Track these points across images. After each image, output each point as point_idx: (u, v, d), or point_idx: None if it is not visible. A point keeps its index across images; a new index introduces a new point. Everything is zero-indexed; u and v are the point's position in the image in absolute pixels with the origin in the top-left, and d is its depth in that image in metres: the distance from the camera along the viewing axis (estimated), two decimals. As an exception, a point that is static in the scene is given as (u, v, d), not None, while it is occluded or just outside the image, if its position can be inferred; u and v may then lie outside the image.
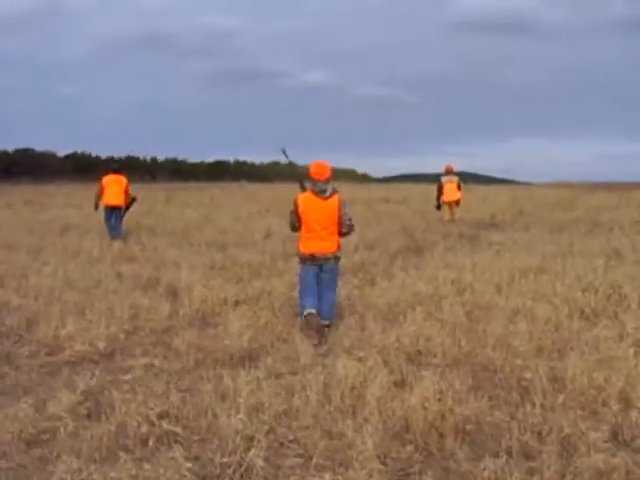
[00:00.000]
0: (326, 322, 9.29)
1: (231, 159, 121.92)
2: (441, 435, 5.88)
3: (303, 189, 9.47)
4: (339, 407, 6.47)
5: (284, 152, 10.00)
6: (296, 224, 9.40)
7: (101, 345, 8.58)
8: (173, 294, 11.61)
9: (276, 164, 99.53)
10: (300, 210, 9.26)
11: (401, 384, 7.02)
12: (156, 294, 11.55)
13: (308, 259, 9.33)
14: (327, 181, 9.24)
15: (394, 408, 6.27)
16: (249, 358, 8.11)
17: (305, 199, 9.27)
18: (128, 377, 7.51)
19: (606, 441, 5.65)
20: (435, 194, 24.23)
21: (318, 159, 9.33)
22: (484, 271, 12.97)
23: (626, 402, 6.44)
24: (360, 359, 7.55)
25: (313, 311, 9.13)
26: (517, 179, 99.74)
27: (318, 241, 9.28)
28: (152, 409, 6.25)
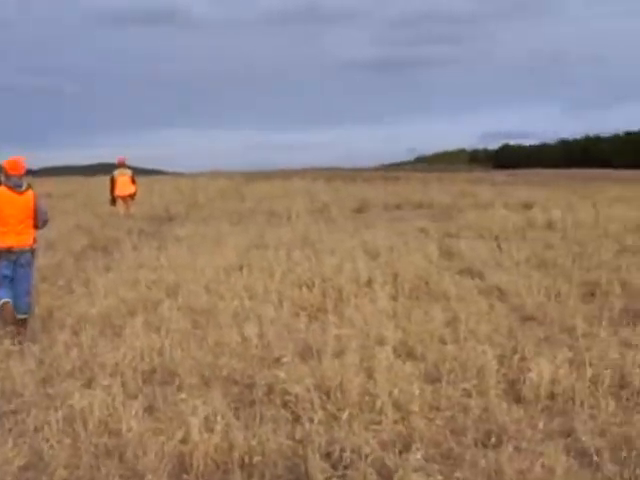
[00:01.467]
0: (23, 316, 9.07)
1: None
2: (225, 472, 5.03)
3: None
4: (92, 451, 5.33)
5: None
6: None
7: None
8: None
9: None
10: None
11: (154, 412, 6.05)
12: None
13: (4, 252, 9.05)
14: (22, 176, 9.23)
15: (162, 444, 5.27)
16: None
17: (0, 194, 9.08)
18: None
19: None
20: (109, 188, 22.77)
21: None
22: (185, 269, 12.14)
23: (399, 408, 5.98)
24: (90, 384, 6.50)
25: (9, 300, 8.92)
26: (168, 169, 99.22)
27: (14, 235, 9.09)
28: None
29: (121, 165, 22.72)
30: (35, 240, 9.41)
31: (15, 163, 9.15)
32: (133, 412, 5.85)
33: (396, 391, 6.10)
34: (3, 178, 9.17)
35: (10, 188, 9.08)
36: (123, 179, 22.46)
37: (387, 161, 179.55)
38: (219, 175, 57.87)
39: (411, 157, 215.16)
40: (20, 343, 8.14)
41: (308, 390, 6.21)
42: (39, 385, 6.87)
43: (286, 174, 61.75)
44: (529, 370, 6.64)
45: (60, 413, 5.85)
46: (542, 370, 6.47)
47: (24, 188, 9.19)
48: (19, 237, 9.14)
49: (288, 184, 41.38)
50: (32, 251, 9.37)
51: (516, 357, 7.16)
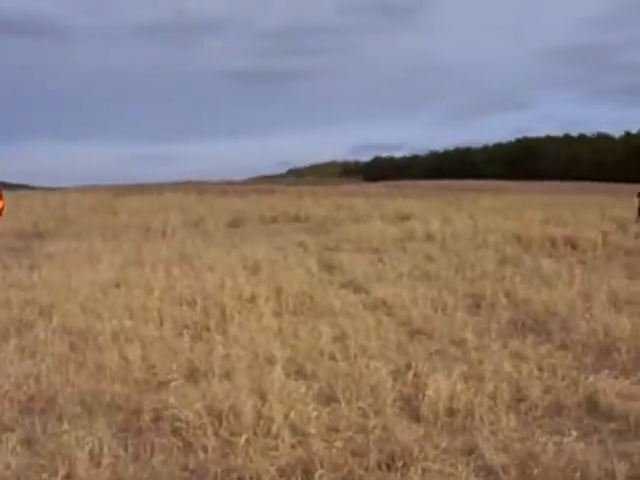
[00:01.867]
0: None
1: None
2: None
3: None
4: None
5: None
6: None
7: None
8: None
9: None
10: None
11: (33, 445, 5.63)
12: None
13: None
14: None
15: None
16: None
17: None
18: None
19: None
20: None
21: None
22: (59, 288, 11.60)
23: (296, 431, 5.75)
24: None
25: None
26: (35, 184, 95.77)
27: None
28: None
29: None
30: None
31: None
32: (10, 446, 5.42)
33: (292, 413, 5.86)
34: None
35: None
36: (-14, 194, 21.44)
37: (259, 174, 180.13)
38: (89, 189, 56.76)
39: (283, 170, 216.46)
40: None
41: (199, 415, 5.91)
42: None
43: (158, 188, 61.10)
44: (425, 386, 6.53)
45: None
46: (439, 386, 6.37)
47: None
48: None
49: (161, 198, 40.79)
50: None
51: (410, 373, 7.04)
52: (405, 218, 24.38)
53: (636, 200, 24.13)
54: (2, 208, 21.84)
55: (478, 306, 10.52)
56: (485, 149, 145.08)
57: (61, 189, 64.78)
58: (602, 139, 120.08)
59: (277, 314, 10.03)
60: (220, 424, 5.85)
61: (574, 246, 16.90)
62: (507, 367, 7.10)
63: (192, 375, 7.36)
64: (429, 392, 6.32)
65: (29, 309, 10.17)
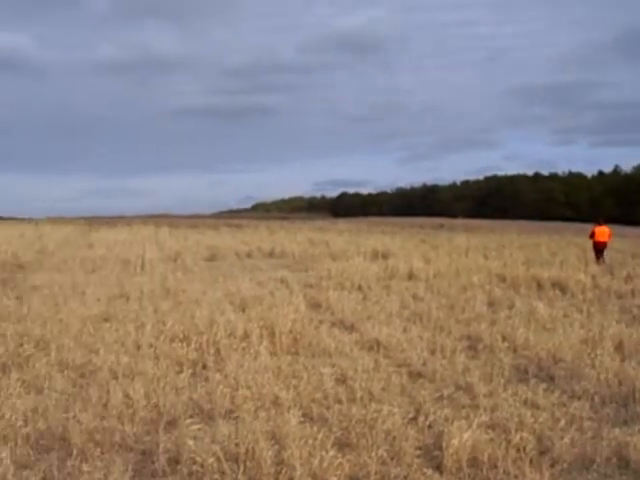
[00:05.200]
0: None
1: None
2: None
3: None
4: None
5: None
6: None
7: None
8: None
9: None
10: None
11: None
12: None
13: None
14: None
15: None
16: None
17: None
18: None
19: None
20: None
21: None
22: (49, 321, 11.52)
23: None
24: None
25: None
26: (2, 215, 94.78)
27: None
28: None
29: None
30: None
31: None
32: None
33: (312, 460, 5.80)
34: None
35: None
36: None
37: (226, 208, 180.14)
38: (58, 221, 56.22)
39: (248, 204, 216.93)
40: None
41: (217, 459, 5.86)
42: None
43: (126, 220, 60.63)
44: (443, 434, 6.45)
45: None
46: (460, 435, 6.23)
47: None
48: None
49: (133, 230, 40.60)
50: None
51: (423, 419, 7.01)
52: (383, 256, 24.42)
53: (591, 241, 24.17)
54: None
55: (475, 349, 10.44)
56: (453, 187, 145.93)
57: (31, 220, 64.20)
58: (574, 178, 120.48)
59: (273, 353, 9.99)
60: (238, 469, 5.80)
61: (563, 289, 16.83)
62: (525, 416, 6.99)
63: (198, 415, 7.31)
64: (453, 441, 6.16)
65: (24, 342, 10.04)
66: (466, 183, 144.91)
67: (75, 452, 6.21)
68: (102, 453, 6.26)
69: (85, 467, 5.76)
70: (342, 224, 62.19)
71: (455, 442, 6.15)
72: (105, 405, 7.47)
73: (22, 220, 68.31)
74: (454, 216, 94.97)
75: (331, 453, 5.93)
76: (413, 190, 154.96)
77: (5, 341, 10.05)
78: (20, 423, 6.76)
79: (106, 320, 11.94)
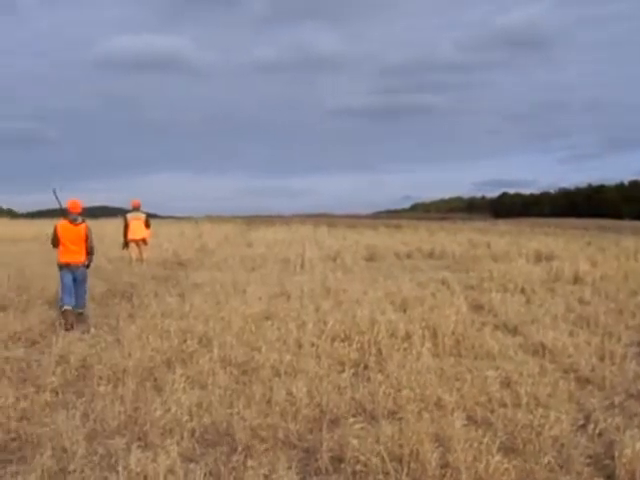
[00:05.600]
0: (81, 310, 12.91)
1: None
2: None
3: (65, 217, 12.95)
4: None
5: (54, 194, 13.46)
6: (55, 242, 13.01)
7: None
8: None
9: None
10: (58, 233, 12.94)
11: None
12: None
13: (65, 266, 12.91)
14: (78, 213, 13.09)
15: None
16: None
17: (62, 225, 13.00)
18: None
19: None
20: (122, 231, 22.23)
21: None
22: (212, 319, 11.71)
23: None
24: (145, 444, 6.00)
25: (71, 307, 12.54)
26: (162, 213, 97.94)
27: (71, 254, 12.93)
28: None
29: (135, 208, 22.20)
30: (87, 258, 13.12)
31: (74, 204, 13.10)
32: (196, 479, 5.43)
33: (480, 465, 5.64)
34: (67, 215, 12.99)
35: (70, 221, 12.97)
36: (137, 223, 21.91)
37: (383, 208, 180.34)
38: (217, 220, 57.55)
39: (406, 204, 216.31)
40: (84, 332, 11.35)
41: (382, 459, 5.77)
42: (87, 442, 6.42)
43: (284, 219, 61.39)
44: (614, 443, 6.14)
45: (121, 478, 5.42)
46: (630, 444, 5.92)
47: (79, 221, 13.02)
48: (74, 256, 12.95)
49: (292, 229, 41.16)
50: (84, 266, 13.11)
51: (592, 427, 6.70)
52: (547, 258, 23.68)
53: None
54: (148, 237, 22.42)
55: (649, 356, 9.91)
56: (620, 187, 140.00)
57: (190, 218, 66.04)
58: None
59: (435, 355, 9.82)
60: (402, 470, 5.70)
61: None
62: None
63: (360, 415, 7.26)
64: (626, 451, 5.87)
65: (187, 338, 10.30)
66: (635, 183, 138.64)
67: (240, 448, 6.29)
68: (266, 450, 6.29)
69: (250, 463, 5.79)
70: (503, 225, 60.81)
71: (628, 452, 5.85)
72: (268, 402, 7.54)
73: (181, 219, 70.33)
74: (620, 217, 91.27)
75: (497, 458, 5.77)
76: (578, 190, 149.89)
77: (169, 337, 10.32)
78: (186, 418, 6.92)
79: (267, 318, 12.05)
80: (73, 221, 12.94)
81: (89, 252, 13.11)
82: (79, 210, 13.10)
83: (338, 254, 25.52)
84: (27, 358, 9.54)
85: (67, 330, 11.63)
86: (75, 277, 12.86)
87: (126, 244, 21.91)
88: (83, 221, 13.06)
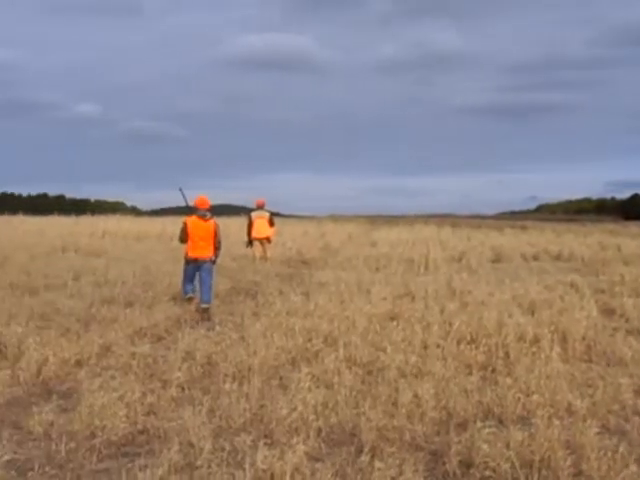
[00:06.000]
0: (206, 306, 13.06)
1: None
2: None
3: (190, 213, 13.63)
4: None
5: (181, 191, 14.23)
6: (184, 237, 13.58)
7: None
8: None
9: (44, 196, 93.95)
10: (188, 228, 13.46)
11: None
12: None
13: (192, 261, 13.47)
14: (207, 209, 13.63)
15: None
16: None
17: (192, 221, 13.53)
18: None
19: None
20: (246, 230, 22.58)
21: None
22: (336, 318, 11.68)
23: None
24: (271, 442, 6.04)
25: (193, 295, 13.44)
26: (285, 212, 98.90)
27: (199, 249, 13.47)
28: None
29: (260, 207, 22.51)
30: (214, 254, 13.64)
31: (202, 200, 13.70)
32: (323, 479, 5.42)
33: (616, 477, 5.41)
34: (196, 211, 13.56)
35: (199, 217, 13.52)
36: (261, 221, 22.20)
37: (507, 209, 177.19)
38: (339, 219, 57.71)
39: (532, 205, 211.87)
40: (210, 329, 11.15)
41: (512, 465, 5.62)
42: (214, 438, 6.50)
43: (407, 219, 61.01)
44: None
45: (248, 475, 5.47)
46: None
47: (208, 217, 13.56)
48: (202, 251, 13.46)
49: (415, 229, 40.92)
50: (211, 261, 13.61)
51: None
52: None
53: None
54: (272, 236, 22.69)
55: None
56: None
57: (313, 218, 66.45)
58: None
59: (565, 360, 9.54)
60: (533, 477, 5.54)
61: None
62: None
63: (489, 419, 7.10)
64: None
65: (312, 337, 10.32)
66: None
67: (366, 449, 6.24)
68: (393, 451, 6.23)
69: (377, 464, 5.73)
70: (634, 227, 58.69)
71: None
72: (394, 403, 7.45)
73: (303, 218, 70.87)
74: None
75: (632, 468, 5.54)
76: None
77: (294, 335, 10.34)
78: (312, 417, 6.90)
79: (392, 319, 11.95)
80: (202, 217, 13.45)
81: (216, 247, 13.56)
82: (207, 206, 13.61)
83: (463, 255, 25.26)
84: (153, 354, 9.66)
85: (197, 311, 12.76)
86: (201, 272, 13.30)
87: (250, 242, 22.21)
88: (212, 217, 13.56)
